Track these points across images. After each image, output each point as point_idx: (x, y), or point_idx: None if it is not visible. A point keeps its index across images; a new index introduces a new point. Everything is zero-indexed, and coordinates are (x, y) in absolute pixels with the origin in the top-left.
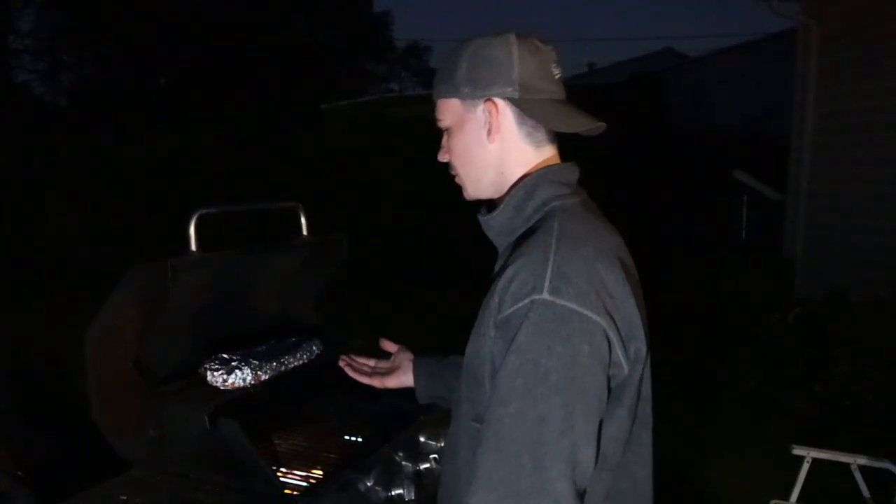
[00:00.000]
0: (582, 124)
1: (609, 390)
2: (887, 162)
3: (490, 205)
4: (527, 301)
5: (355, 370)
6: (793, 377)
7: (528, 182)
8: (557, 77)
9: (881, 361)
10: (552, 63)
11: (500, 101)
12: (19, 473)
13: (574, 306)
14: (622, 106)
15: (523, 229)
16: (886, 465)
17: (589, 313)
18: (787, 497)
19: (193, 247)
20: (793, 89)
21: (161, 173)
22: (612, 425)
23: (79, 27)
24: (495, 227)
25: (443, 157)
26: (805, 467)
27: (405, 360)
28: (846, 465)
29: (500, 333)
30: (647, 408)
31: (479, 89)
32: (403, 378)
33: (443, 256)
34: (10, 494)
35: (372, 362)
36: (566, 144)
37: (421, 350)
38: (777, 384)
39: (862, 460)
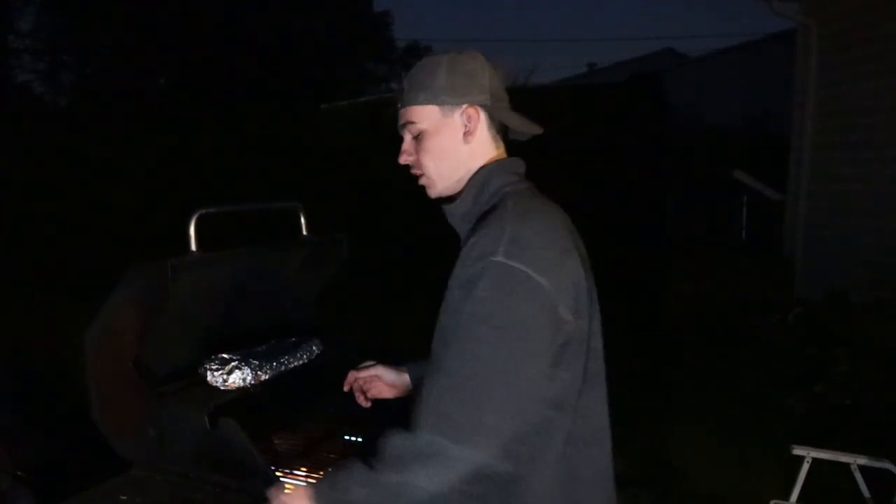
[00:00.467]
0: (535, 129)
1: (562, 344)
2: (887, 162)
3: (450, 197)
4: (484, 262)
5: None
6: (793, 377)
7: (484, 173)
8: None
9: (881, 361)
10: (503, 77)
11: (476, 108)
12: (19, 473)
13: (524, 268)
14: (622, 106)
15: (480, 213)
16: (886, 465)
17: (537, 275)
18: (787, 497)
19: (193, 247)
20: (793, 89)
21: (161, 173)
22: (567, 373)
23: (79, 27)
24: (457, 213)
25: (406, 159)
26: (805, 467)
27: (397, 375)
28: (846, 465)
29: (460, 293)
30: (598, 361)
31: (457, 97)
32: (399, 390)
33: (443, 256)
34: (10, 494)
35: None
36: (565, 144)
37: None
38: (777, 384)
39: (862, 460)
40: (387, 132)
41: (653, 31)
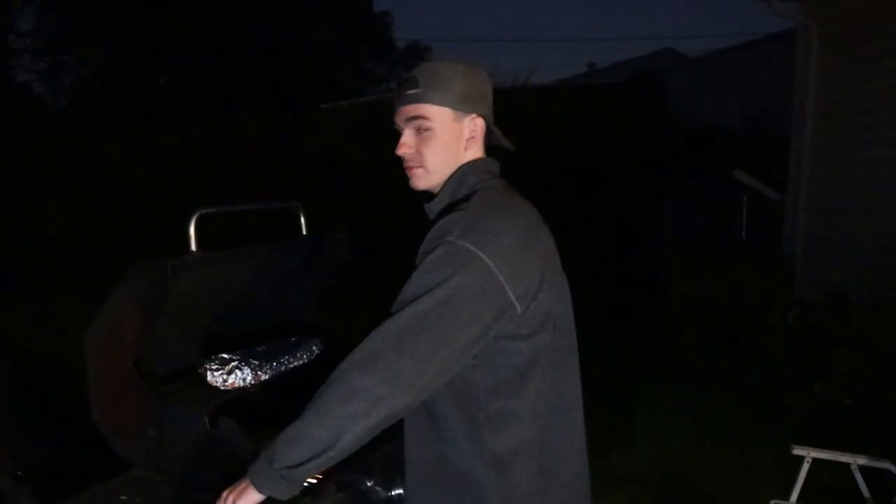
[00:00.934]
0: (510, 145)
1: (503, 323)
2: (887, 162)
3: (431, 196)
4: (439, 241)
5: None
6: (793, 377)
7: (460, 172)
8: None
9: (881, 361)
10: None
11: (482, 119)
12: (19, 473)
13: (472, 248)
14: (622, 106)
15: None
16: (886, 465)
17: (483, 256)
18: (787, 497)
19: (193, 247)
20: (793, 89)
21: (161, 173)
22: (531, 350)
23: (79, 27)
24: (436, 209)
25: (406, 151)
26: (805, 467)
27: None
28: (846, 465)
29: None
30: (569, 339)
31: (468, 106)
32: None
33: None
34: (10, 494)
35: None
36: (564, 145)
37: None
38: (777, 384)
39: (862, 460)
40: (387, 132)
41: (653, 31)
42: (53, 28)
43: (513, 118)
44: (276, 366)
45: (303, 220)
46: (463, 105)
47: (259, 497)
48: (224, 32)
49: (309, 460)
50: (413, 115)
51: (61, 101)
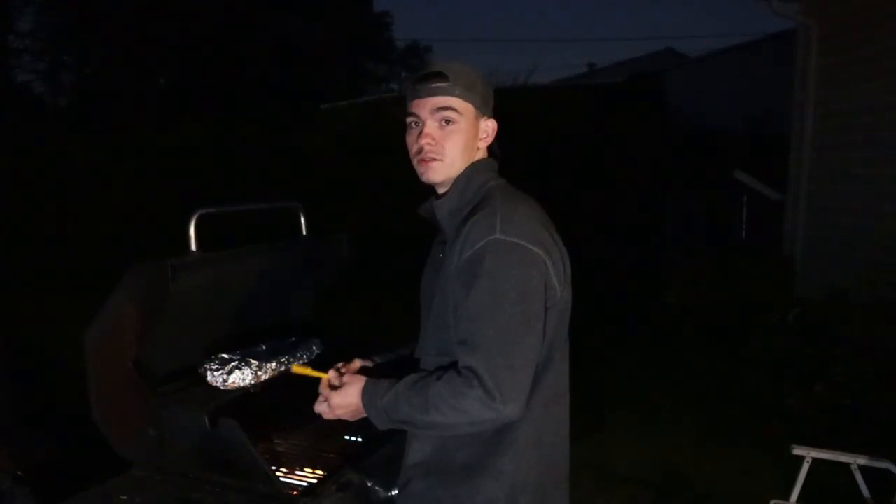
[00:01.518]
0: (498, 152)
1: (548, 308)
2: (887, 162)
3: (435, 195)
4: (485, 240)
5: None
6: (793, 377)
7: (468, 171)
8: None
9: (881, 361)
10: None
11: (493, 122)
12: (19, 473)
13: (519, 241)
14: (622, 106)
15: (468, 209)
16: (886, 465)
17: (530, 246)
18: (787, 497)
19: (193, 247)
20: (793, 89)
21: (161, 173)
22: (551, 336)
23: (79, 27)
24: (445, 208)
25: (428, 141)
26: (805, 467)
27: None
28: (846, 465)
29: (461, 275)
30: (566, 328)
31: (487, 108)
32: None
33: None
34: (10, 494)
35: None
36: (564, 145)
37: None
38: (777, 384)
39: (862, 460)
40: (387, 132)
41: (653, 31)
42: (53, 28)
43: (513, 118)
44: (276, 366)
45: (303, 220)
46: (484, 106)
47: (361, 412)
48: (224, 32)
49: (402, 422)
50: (442, 105)
51: (61, 101)
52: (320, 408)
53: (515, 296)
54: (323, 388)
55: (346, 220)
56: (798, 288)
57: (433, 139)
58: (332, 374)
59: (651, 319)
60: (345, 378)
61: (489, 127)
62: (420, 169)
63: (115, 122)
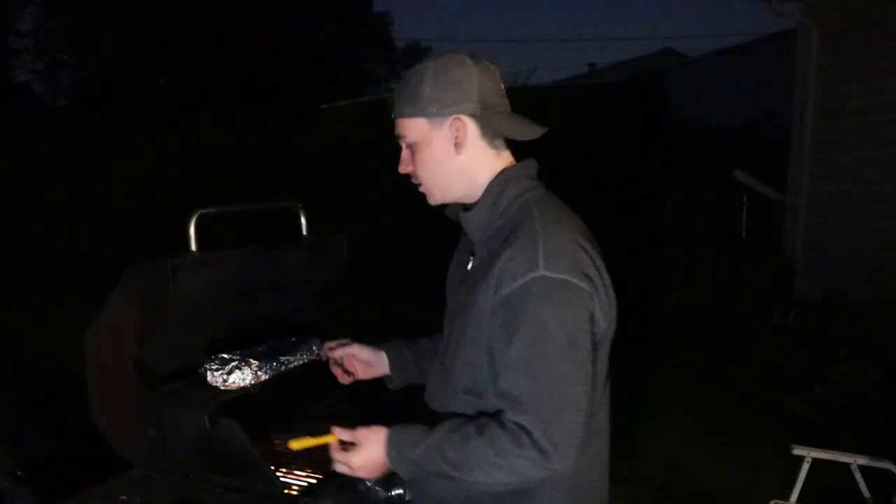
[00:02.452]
0: (536, 132)
1: (594, 344)
2: (887, 162)
3: (466, 205)
4: (527, 278)
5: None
6: (793, 377)
7: (499, 182)
8: (504, 91)
9: (881, 361)
10: (499, 80)
11: (465, 118)
12: (19, 473)
13: (566, 277)
14: (622, 106)
15: (499, 222)
16: (886, 465)
17: (577, 281)
18: (787, 497)
19: (193, 247)
20: (793, 89)
21: (161, 173)
22: (596, 371)
23: (79, 27)
24: (474, 222)
25: (405, 169)
26: (805, 467)
27: (373, 354)
28: (846, 465)
29: (499, 314)
30: (607, 359)
31: (445, 108)
32: (376, 369)
33: (442, 256)
34: (10, 494)
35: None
36: (564, 146)
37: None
38: (777, 384)
39: (862, 460)
40: (387, 132)
41: (652, 30)
42: (53, 28)
43: None
44: (276, 366)
45: (303, 220)
46: (436, 110)
47: (387, 467)
48: (224, 33)
49: (436, 474)
50: (397, 133)
51: (61, 101)
52: (341, 469)
53: (565, 341)
54: (335, 454)
55: (347, 220)
56: (798, 288)
57: (406, 165)
58: (337, 431)
59: (651, 319)
60: (359, 434)
61: (458, 127)
62: None
63: (114, 121)
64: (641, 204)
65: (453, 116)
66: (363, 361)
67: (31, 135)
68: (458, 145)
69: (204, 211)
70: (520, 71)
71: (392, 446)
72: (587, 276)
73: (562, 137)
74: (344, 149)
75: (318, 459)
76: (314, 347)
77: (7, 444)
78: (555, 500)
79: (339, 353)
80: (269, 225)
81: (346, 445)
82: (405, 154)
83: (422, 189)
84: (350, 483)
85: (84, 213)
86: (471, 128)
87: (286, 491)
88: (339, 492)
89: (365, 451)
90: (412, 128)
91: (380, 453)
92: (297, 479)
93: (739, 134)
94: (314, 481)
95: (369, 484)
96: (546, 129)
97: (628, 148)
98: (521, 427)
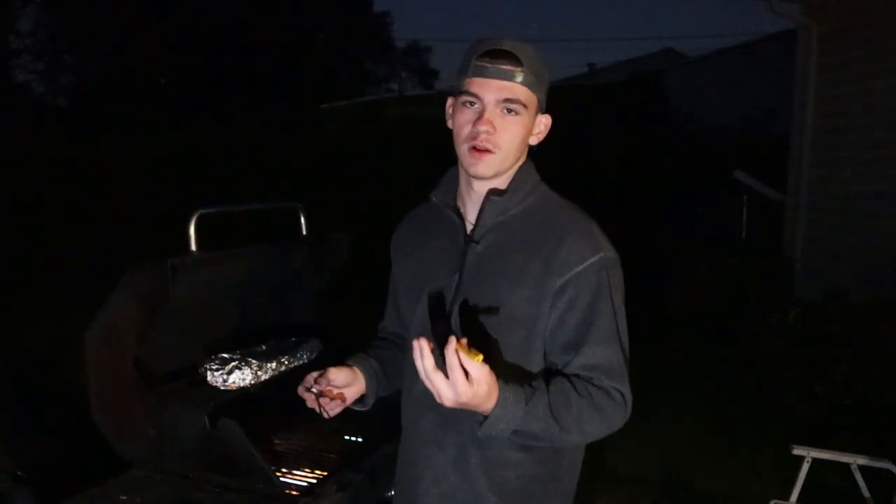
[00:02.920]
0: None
1: None
2: (887, 162)
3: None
4: (596, 257)
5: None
6: (793, 377)
7: (523, 172)
8: None
9: (881, 361)
10: None
11: (547, 118)
12: (19, 473)
13: (617, 256)
14: (622, 106)
15: (515, 210)
16: (886, 465)
17: (619, 260)
18: (787, 497)
19: (193, 247)
20: (793, 89)
21: (161, 173)
22: None
23: (79, 27)
24: (499, 206)
25: (488, 129)
26: (805, 467)
27: (350, 373)
28: (846, 465)
29: (568, 289)
30: None
31: (543, 104)
32: (357, 388)
33: None
34: (10, 494)
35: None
36: (563, 145)
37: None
38: (777, 384)
39: (862, 460)
40: (387, 132)
41: (652, 31)
42: (53, 28)
43: None
44: (276, 366)
45: (303, 220)
46: (543, 102)
47: (487, 410)
48: (224, 33)
49: (533, 437)
50: (511, 96)
51: (61, 101)
52: (445, 392)
53: (623, 310)
54: (476, 374)
55: (347, 220)
56: (798, 288)
57: (493, 127)
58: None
59: (650, 319)
60: (483, 371)
61: (543, 123)
62: (469, 160)
63: (114, 121)
64: (641, 204)
65: (544, 113)
66: (343, 384)
67: (31, 135)
68: (536, 137)
69: (204, 211)
70: None
71: (502, 401)
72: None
73: (562, 137)
74: (344, 149)
75: (318, 459)
76: (314, 347)
77: (7, 444)
78: (571, 483)
79: (323, 386)
80: (269, 225)
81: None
82: (494, 115)
83: (488, 156)
84: (350, 483)
85: (84, 212)
86: (547, 127)
87: (286, 491)
88: (339, 492)
89: (479, 391)
90: (531, 100)
91: (487, 402)
92: (297, 479)
93: (739, 134)
94: (314, 481)
95: (369, 484)
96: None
97: (628, 148)
98: (615, 388)
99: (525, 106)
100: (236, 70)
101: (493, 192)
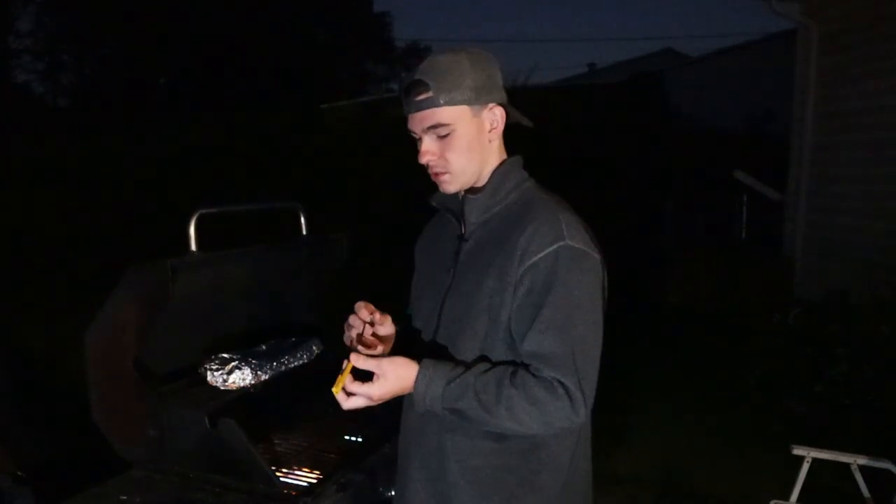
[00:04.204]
0: (528, 122)
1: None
2: (887, 162)
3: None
4: (554, 246)
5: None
6: (793, 377)
7: (503, 170)
8: None
9: (881, 361)
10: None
11: (500, 107)
12: (19, 473)
13: (585, 247)
14: (622, 106)
15: (498, 208)
16: (886, 465)
17: (592, 252)
18: (787, 497)
19: (193, 247)
20: (793, 89)
21: (161, 173)
22: None
23: (79, 27)
24: (479, 205)
25: (429, 159)
26: (805, 467)
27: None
28: (846, 465)
29: (525, 278)
30: None
31: (486, 95)
32: (387, 345)
33: None
34: (10, 494)
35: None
36: (564, 145)
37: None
38: (777, 384)
39: (862, 460)
40: (387, 132)
41: (652, 31)
42: (53, 28)
43: None
44: (276, 366)
45: (303, 220)
46: (478, 98)
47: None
48: (224, 33)
49: (465, 417)
50: (430, 123)
51: (61, 101)
52: (356, 403)
53: (589, 304)
54: (351, 386)
55: (347, 220)
56: (798, 288)
57: (433, 154)
58: (354, 358)
59: (651, 319)
60: (383, 364)
61: (495, 115)
62: (436, 182)
63: (114, 121)
64: (641, 204)
65: (492, 104)
66: (383, 335)
67: (31, 135)
68: (492, 131)
69: (204, 211)
70: (520, 71)
71: (423, 379)
72: (596, 248)
73: (562, 137)
74: (344, 149)
75: (318, 459)
76: (314, 347)
77: (7, 444)
78: (554, 482)
79: (377, 318)
80: (269, 225)
81: (362, 378)
82: (431, 144)
83: (444, 177)
84: (350, 483)
85: (84, 212)
86: (503, 115)
87: (286, 491)
88: (339, 492)
89: (389, 383)
90: (454, 116)
91: (406, 385)
92: (297, 479)
93: (739, 134)
94: (314, 481)
95: (369, 484)
96: (532, 125)
97: (628, 148)
98: (556, 379)
99: (450, 124)
100: (236, 70)
101: (469, 192)
